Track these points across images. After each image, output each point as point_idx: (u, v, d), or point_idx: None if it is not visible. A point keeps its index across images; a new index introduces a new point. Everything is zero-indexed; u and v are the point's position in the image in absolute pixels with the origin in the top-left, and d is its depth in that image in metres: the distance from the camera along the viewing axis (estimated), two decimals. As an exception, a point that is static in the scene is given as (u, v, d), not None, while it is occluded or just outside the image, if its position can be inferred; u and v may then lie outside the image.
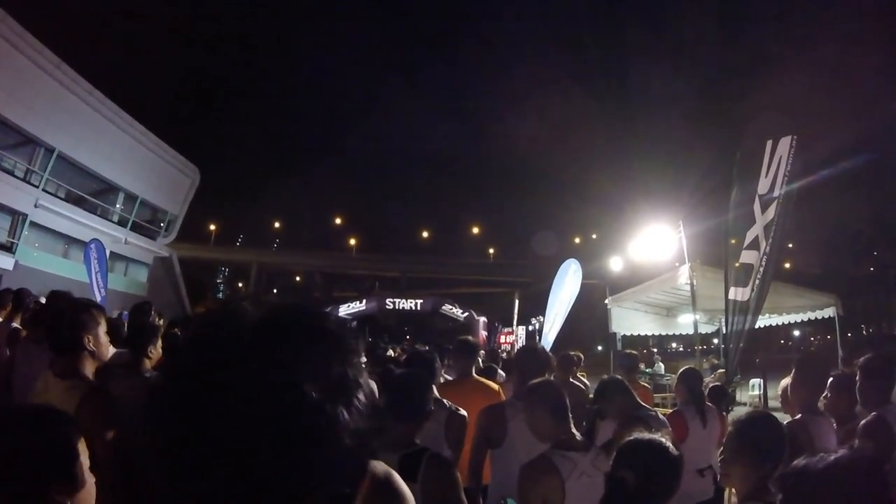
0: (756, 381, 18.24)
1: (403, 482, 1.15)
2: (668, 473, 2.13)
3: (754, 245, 6.07)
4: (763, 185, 6.09)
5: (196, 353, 0.75)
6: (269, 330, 0.74)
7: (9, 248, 25.17)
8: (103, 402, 2.69)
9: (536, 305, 20.75)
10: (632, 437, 2.22)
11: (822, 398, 3.75)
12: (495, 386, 4.93)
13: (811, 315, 13.03)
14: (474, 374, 5.02)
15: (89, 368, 2.88)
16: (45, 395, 2.70)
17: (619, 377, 4.48)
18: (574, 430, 3.00)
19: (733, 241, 6.25)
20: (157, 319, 6.11)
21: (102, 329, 2.97)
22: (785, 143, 6.08)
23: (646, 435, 2.22)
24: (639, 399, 4.24)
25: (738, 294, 6.05)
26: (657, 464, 2.13)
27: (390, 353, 9.38)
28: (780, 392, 4.49)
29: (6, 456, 1.60)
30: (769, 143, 6.10)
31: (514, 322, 33.00)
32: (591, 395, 4.92)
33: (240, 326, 0.75)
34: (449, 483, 2.62)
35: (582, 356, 7.90)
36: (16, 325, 5.26)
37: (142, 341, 4.15)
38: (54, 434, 1.71)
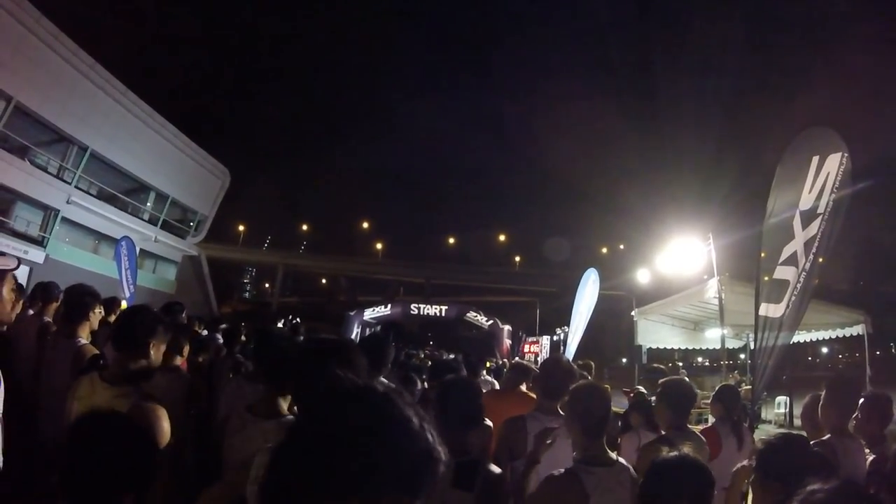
0: (782, 399, 17.94)
1: None
2: (696, 488, 2.09)
3: (791, 261, 5.94)
4: (805, 201, 5.95)
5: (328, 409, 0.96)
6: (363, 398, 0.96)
7: (40, 242, 25.72)
8: (156, 414, 2.59)
9: (563, 315, 20.65)
10: (660, 457, 2.19)
11: (852, 419, 3.67)
12: None
13: (839, 332, 12.75)
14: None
15: (142, 376, 2.83)
16: (91, 399, 2.63)
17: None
18: (604, 445, 2.88)
19: (763, 255, 6.13)
20: (198, 325, 6.27)
21: (163, 345, 3.00)
22: (834, 160, 5.94)
23: (672, 453, 2.19)
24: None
25: (770, 310, 5.93)
26: (686, 480, 2.09)
27: (414, 360, 9.38)
28: (802, 411, 4.38)
29: (96, 464, 1.62)
30: (815, 159, 5.96)
31: (537, 332, 32.90)
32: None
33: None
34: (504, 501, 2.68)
35: (592, 364, 7.68)
36: (47, 318, 5.19)
37: (176, 340, 4.27)
38: (142, 450, 1.73)
